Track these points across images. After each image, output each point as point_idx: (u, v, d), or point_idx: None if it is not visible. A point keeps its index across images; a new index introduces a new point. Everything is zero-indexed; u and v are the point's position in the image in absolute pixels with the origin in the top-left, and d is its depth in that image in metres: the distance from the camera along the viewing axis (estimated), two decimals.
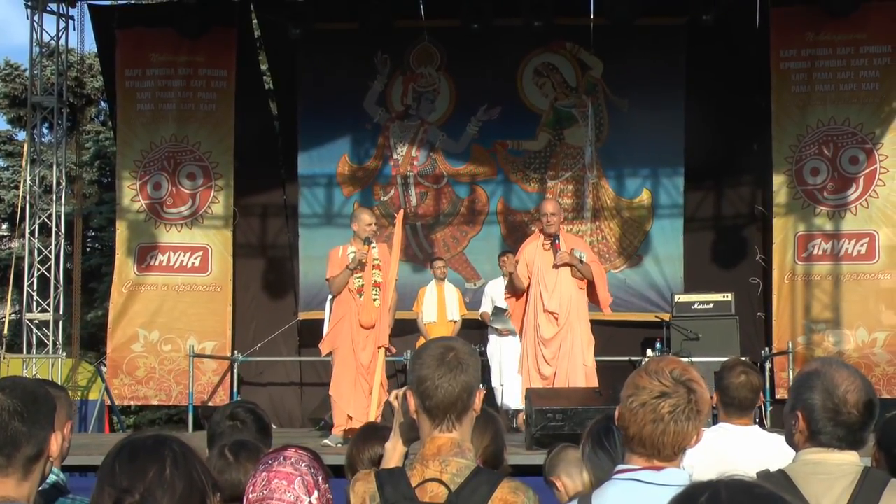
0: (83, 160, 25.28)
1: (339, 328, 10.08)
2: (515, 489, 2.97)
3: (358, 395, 9.90)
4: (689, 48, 14.18)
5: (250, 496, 2.89)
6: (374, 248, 10.08)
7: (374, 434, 4.28)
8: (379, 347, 9.93)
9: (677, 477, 2.77)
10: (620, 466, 2.85)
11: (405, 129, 14.65)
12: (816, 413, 3.10)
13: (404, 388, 3.13)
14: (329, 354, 10.34)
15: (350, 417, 9.87)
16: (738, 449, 4.53)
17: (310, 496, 2.86)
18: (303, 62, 14.67)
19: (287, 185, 14.93)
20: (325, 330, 10.80)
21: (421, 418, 3.04)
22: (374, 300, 9.99)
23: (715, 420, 4.98)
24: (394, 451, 3.19)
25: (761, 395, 4.78)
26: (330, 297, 10.52)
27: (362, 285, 9.98)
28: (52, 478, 3.45)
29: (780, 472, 3.12)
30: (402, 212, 10.87)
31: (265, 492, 2.85)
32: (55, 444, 2.78)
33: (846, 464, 3.07)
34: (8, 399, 2.71)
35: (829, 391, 3.09)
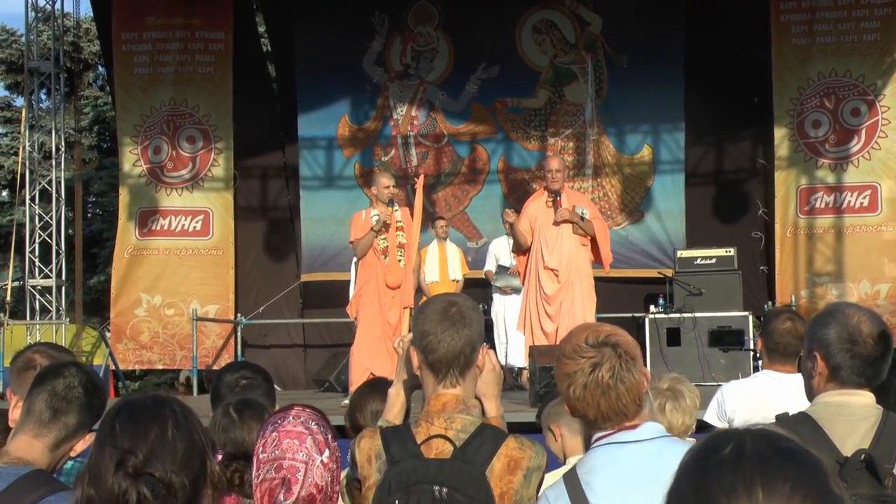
0: (82, 125, 25.21)
1: (366, 290, 10.13)
2: (521, 445, 2.97)
3: (381, 353, 9.94)
4: (687, 2, 14.08)
5: (261, 456, 2.87)
6: (396, 210, 10.13)
7: (377, 388, 4.27)
8: (404, 308, 10.00)
9: (653, 430, 2.78)
10: (596, 435, 2.82)
11: (404, 88, 14.58)
12: (833, 347, 3.13)
13: (408, 336, 3.12)
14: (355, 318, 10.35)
15: (372, 374, 9.91)
16: (780, 396, 4.47)
17: (321, 455, 2.84)
18: (300, 23, 14.57)
19: (286, 146, 14.87)
20: (352, 292, 10.81)
21: (424, 374, 3.03)
22: (400, 261, 10.06)
23: (757, 368, 4.96)
24: (397, 397, 3.20)
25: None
26: (355, 259, 10.55)
27: (387, 246, 10.03)
28: None
29: (803, 413, 3.13)
30: (423, 176, 10.89)
31: (276, 451, 2.83)
32: (82, 444, 2.83)
33: (866, 406, 3.11)
34: (86, 377, 2.95)
35: (843, 324, 3.13)
